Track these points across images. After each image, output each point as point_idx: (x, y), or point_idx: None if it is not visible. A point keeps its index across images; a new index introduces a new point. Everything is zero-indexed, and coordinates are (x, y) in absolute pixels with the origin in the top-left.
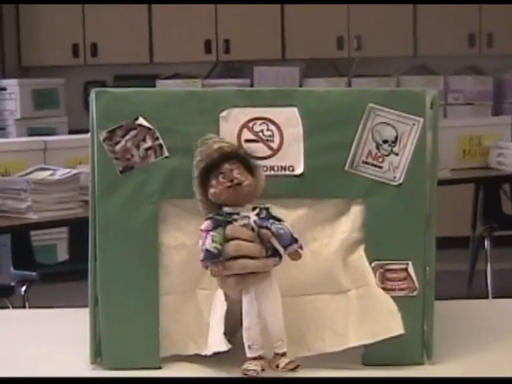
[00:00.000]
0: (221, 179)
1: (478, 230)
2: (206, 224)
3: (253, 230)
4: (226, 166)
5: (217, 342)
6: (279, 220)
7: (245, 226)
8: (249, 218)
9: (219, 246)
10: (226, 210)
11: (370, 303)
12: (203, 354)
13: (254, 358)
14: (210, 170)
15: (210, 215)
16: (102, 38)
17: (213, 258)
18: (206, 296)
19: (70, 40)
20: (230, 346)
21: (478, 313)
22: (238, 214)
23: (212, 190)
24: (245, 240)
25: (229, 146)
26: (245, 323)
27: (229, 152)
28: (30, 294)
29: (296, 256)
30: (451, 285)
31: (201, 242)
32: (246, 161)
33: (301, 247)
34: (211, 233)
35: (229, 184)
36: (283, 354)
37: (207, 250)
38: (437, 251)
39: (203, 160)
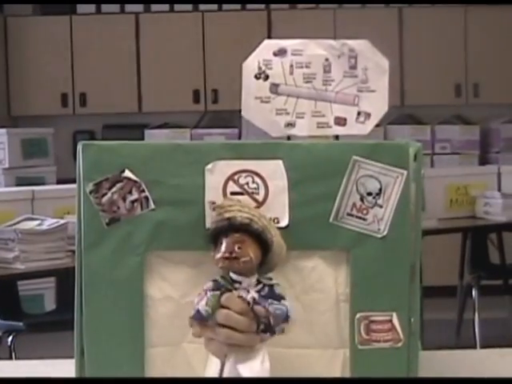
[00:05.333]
0: (222, 248)
1: (466, 278)
2: (207, 285)
3: (249, 303)
4: (229, 239)
5: None
6: (280, 299)
7: (241, 297)
8: (248, 292)
9: (210, 311)
10: (232, 275)
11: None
12: None
13: None
14: (220, 234)
15: (216, 278)
16: (91, 87)
17: (200, 319)
18: (194, 349)
19: (59, 90)
20: None
21: (465, 362)
22: (240, 283)
23: (215, 255)
24: (236, 312)
25: (242, 218)
26: None
27: (238, 225)
28: (17, 343)
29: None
30: (439, 334)
31: (196, 300)
32: (258, 236)
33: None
34: (208, 294)
35: (227, 255)
36: None
37: (198, 311)
38: (425, 300)
39: (213, 224)
